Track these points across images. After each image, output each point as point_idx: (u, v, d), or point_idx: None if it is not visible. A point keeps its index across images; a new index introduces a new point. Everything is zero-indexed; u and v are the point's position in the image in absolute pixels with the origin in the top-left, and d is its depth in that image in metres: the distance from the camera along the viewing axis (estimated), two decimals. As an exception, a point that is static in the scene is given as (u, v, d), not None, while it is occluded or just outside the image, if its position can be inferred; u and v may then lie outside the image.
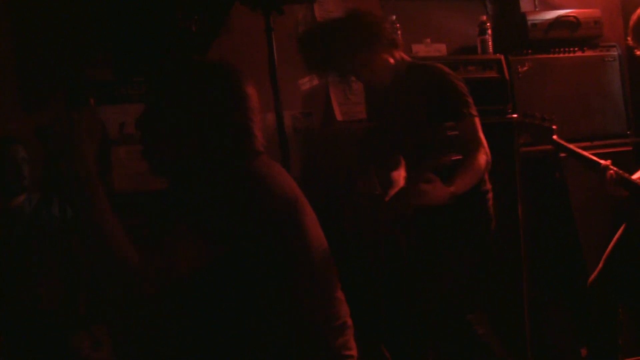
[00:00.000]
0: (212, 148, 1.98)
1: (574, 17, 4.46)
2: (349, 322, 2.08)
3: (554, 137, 3.46)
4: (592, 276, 3.63)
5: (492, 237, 3.28)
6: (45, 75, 3.91)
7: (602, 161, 3.37)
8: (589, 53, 4.53)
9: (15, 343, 3.26)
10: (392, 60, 3.28)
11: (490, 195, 3.28)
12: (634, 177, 3.44)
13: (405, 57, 3.39)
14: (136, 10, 3.56)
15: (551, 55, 4.44)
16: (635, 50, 3.64)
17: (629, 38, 3.65)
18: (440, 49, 4.59)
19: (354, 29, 3.21)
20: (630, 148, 4.47)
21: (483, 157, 3.08)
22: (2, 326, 3.28)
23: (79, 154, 1.85)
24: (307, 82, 4.36)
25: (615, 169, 3.35)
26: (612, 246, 3.60)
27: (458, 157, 3.14)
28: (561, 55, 4.47)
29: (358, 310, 3.69)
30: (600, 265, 3.61)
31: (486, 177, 3.26)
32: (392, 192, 3.38)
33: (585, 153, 3.46)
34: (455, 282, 3.25)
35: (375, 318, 3.62)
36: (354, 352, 2.05)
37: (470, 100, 3.17)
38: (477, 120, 3.15)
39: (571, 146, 3.47)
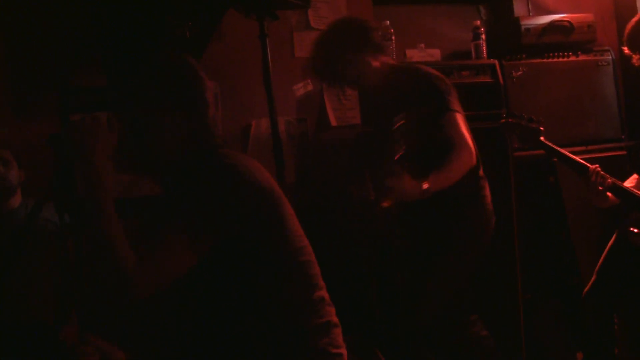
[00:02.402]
0: (182, 144, 2.02)
1: (568, 21, 4.47)
2: (334, 320, 2.08)
3: (541, 138, 3.43)
4: (587, 287, 3.62)
5: (492, 229, 3.27)
6: (36, 81, 3.91)
7: (590, 165, 3.35)
8: (582, 57, 4.54)
9: (10, 349, 3.25)
10: (377, 64, 3.29)
11: (485, 183, 3.27)
12: (626, 184, 3.42)
13: (391, 61, 3.42)
14: (129, 15, 3.56)
15: (545, 60, 4.45)
16: (633, 60, 3.61)
17: (625, 48, 3.63)
18: (434, 54, 4.60)
19: (341, 32, 3.27)
20: (624, 152, 4.47)
21: (465, 153, 3.03)
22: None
23: (92, 162, 1.88)
24: (302, 88, 4.37)
25: (603, 172, 3.33)
26: (605, 256, 3.59)
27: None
28: (555, 59, 4.47)
29: (352, 314, 3.69)
30: (594, 276, 3.60)
31: (489, 200, 3.25)
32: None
33: (573, 156, 3.43)
34: (455, 282, 3.23)
35: (369, 322, 3.62)
36: (342, 350, 2.06)
37: (450, 97, 3.16)
38: (458, 116, 3.13)
39: (558, 148, 3.44)
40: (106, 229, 1.83)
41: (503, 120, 3.53)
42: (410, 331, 3.21)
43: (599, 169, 3.32)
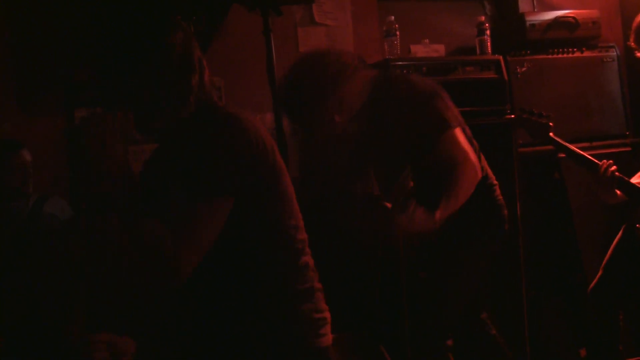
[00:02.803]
0: (181, 102, 1.99)
1: (573, 17, 4.46)
2: (317, 286, 2.06)
3: (551, 134, 3.45)
4: (593, 283, 3.62)
5: (506, 227, 3.22)
6: (43, 76, 3.91)
7: (598, 162, 3.36)
8: (587, 53, 4.53)
9: (16, 345, 3.25)
10: (356, 85, 3.06)
11: (497, 189, 3.22)
12: (633, 180, 3.43)
13: (370, 72, 3.19)
14: (134, 11, 3.55)
15: (550, 56, 4.44)
16: (636, 52, 3.63)
17: (630, 40, 3.64)
18: (438, 49, 4.59)
19: (310, 73, 3.02)
20: (629, 149, 4.46)
21: (469, 170, 2.92)
22: (1, 327, 3.28)
23: (112, 155, 1.86)
24: (306, 83, 4.36)
25: (613, 168, 3.34)
26: (611, 252, 3.59)
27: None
28: (560, 55, 4.47)
29: (357, 312, 3.69)
30: (600, 272, 3.60)
31: (489, 172, 3.22)
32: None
33: (583, 152, 3.45)
34: (469, 281, 3.22)
35: (373, 320, 3.62)
36: (325, 313, 2.05)
37: (446, 112, 3.01)
38: (457, 132, 2.99)
39: (567, 144, 3.46)
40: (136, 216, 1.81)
41: (512, 115, 3.54)
42: (431, 333, 3.19)
43: (606, 164, 3.33)
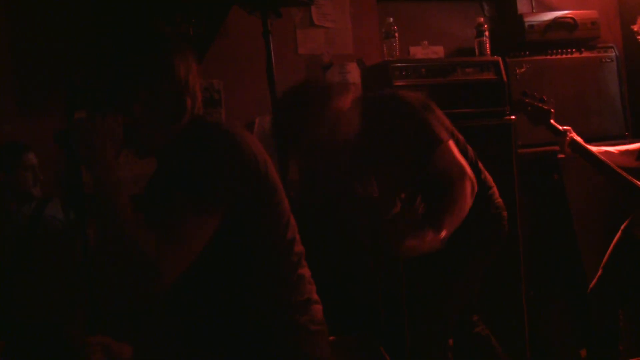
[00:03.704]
0: (173, 119, 2.02)
1: (571, 18, 4.47)
2: (315, 298, 2.09)
3: (551, 120, 3.48)
4: (592, 283, 3.62)
5: (506, 228, 3.22)
6: (43, 79, 3.91)
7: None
8: (586, 54, 4.53)
9: (17, 347, 3.26)
10: (347, 104, 2.99)
11: (495, 193, 3.20)
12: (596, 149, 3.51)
13: (357, 93, 3.20)
14: (134, 13, 3.56)
15: (549, 57, 4.45)
16: (638, 36, 3.66)
17: (637, 24, 3.67)
18: (437, 51, 4.60)
19: (297, 100, 3.00)
20: (628, 149, 4.46)
21: (467, 184, 2.90)
22: (3, 330, 3.29)
23: (101, 158, 1.88)
24: (305, 85, 4.37)
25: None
26: (611, 251, 3.60)
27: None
28: (559, 56, 4.47)
29: (357, 313, 3.69)
30: (600, 271, 3.60)
31: (487, 176, 3.22)
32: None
33: (591, 148, 3.49)
34: (469, 282, 3.22)
35: (374, 320, 3.62)
36: (322, 327, 2.07)
37: (436, 127, 2.97)
38: (450, 145, 2.96)
39: (567, 129, 3.50)
40: (121, 225, 1.81)
41: (512, 117, 3.57)
42: (431, 332, 3.18)
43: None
